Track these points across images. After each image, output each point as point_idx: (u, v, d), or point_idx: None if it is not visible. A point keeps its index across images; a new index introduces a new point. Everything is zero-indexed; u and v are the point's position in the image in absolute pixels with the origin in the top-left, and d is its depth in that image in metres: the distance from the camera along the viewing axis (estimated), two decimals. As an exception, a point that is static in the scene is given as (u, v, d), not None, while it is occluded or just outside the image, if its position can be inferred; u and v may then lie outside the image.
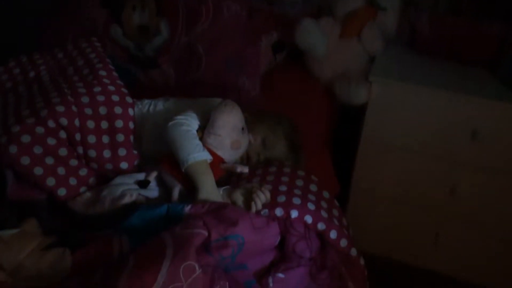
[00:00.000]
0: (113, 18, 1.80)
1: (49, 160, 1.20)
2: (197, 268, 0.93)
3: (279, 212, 1.13)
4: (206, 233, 1.00)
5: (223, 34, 1.74)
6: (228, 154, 1.25)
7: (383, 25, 1.80)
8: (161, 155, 1.24)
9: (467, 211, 1.74)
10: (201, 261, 0.97)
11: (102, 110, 1.28)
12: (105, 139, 1.28)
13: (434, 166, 1.70)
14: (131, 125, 1.31)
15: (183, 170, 1.16)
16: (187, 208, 1.08)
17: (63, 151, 1.22)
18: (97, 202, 1.18)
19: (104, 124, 1.28)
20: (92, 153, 1.27)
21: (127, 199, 1.16)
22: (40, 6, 1.94)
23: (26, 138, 1.17)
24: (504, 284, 1.85)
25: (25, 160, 1.17)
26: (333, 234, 1.15)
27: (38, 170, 1.18)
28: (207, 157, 1.18)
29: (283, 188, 1.21)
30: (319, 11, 1.89)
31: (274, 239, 1.12)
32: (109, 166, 1.28)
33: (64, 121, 1.22)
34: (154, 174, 1.24)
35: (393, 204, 1.84)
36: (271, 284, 1.05)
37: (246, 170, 1.25)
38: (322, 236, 1.16)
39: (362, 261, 1.22)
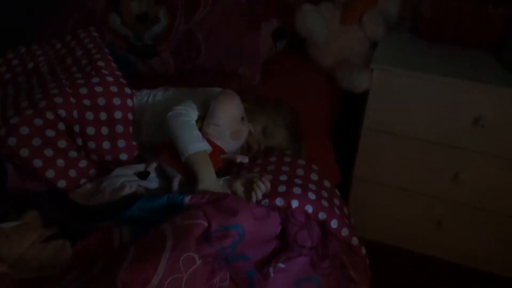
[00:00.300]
0: (111, 7, 1.78)
1: (49, 152, 1.20)
2: (197, 259, 0.93)
3: (279, 202, 1.13)
4: (206, 224, 0.99)
5: (223, 22, 1.72)
6: (228, 144, 1.25)
7: (385, 10, 1.77)
8: (160, 146, 1.24)
9: (470, 198, 1.73)
10: (202, 252, 0.97)
11: (101, 101, 1.27)
12: (104, 130, 1.28)
13: (436, 153, 1.69)
14: (130, 116, 1.31)
15: (182, 161, 1.16)
16: (187, 199, 1.08)
17: (62, 143, 1.22)
18: (97, 193, 1.17)
19: (103, 115, 1.27)
20: (92, 144, 1.26)
21: (127, 190, 1.15)
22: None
23: (24, 130, 1.17)
24: (507, 269, 1.85)
25: (25, 152, 1.16)
26: (334, 224, 1.15)
27: (38, 162, 1.17)
28: (207, 147, 1.18)
29: (283, 177, 1.20)
30: (319, -4, 1.86)
31: (275, 229, 1.12)
32: (108, 157, 1.28)
33: (62, 112, 1.22)
34: (154, 165, 1.23)
35: (395, 192, 1.83)
36: (272, 274, 1.04)
37: (246, 160, 1.25)
38: (323, 226, 1.16)
39: (363, 250, 1.22)
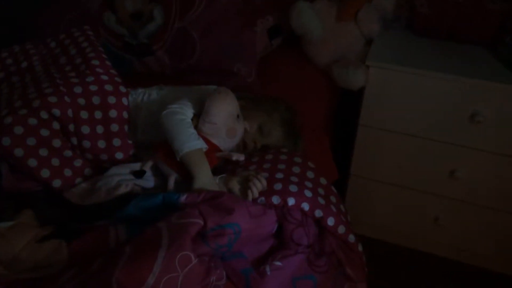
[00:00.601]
0: (106, 5, 1.77)
1: (43, 152, 1.19)
2: (193, 258, 0.93)
3: (275, 199, 1.12)
4: (202, 222, 0.99)
5: (218, 19, 1.72)
6: (224, 142, 1.24)
7: (381, 6, 1.77)
8: (156, 145, 1.23)
9: (466, 194, 1.73)
10: (198, 250, 0.97)
11: (96, 100, 1.26)
12: (99, 129, 1.27)
13: (433, 149, 1.69)
14: (125, 114, 1.30)
15: (178, 159, 1.15)
16: (183, 198, 1.08)
17: (56, 142, 1.21)
18: (92, 193, 1.17)
19: (98, 114, 1.27)
20: (87, 143, 1.26)
21: (122, 189, 1.15)
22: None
23: (18, 130, 1.16)
24: (504, 266, 1.85)
25: (19, 152, 1.15)
26: (330, 221, 1.14)
27: (32, 162, 1.17)
28: (202, 145, 1.17)
29: (279, 175, 1.20)
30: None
31: (271, 227, 1.11)
32: (104, 156, 1.27)
33: (56, 112, 1.21)
34: (149, 164, 1.23)
35: (392, 188, 1.83)
36: (268, 272, 1.04)
37: (242, 158, 1.24)
38: (319, 223, 1.16)
39: (360, 247, 1.21)
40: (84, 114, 1.25)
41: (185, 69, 1.76)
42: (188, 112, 1.24)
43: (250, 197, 1.12)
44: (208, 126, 1.22)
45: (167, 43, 1.73)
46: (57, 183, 1.20)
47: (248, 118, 1.33)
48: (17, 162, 1.17)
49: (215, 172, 1.19)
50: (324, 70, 1.81)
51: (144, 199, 1.10)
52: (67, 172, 1.22)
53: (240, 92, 1.40)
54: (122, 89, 1.32)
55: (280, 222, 1.13)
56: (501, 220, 1.73)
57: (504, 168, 1.63)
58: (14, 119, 1.17)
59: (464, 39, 1.72)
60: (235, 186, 1.16)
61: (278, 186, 1.15)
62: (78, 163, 1.25)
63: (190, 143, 1.15)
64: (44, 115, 1.20)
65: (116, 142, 1.28)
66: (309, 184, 1.18)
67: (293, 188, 1.15)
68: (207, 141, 1.21)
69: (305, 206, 1.13)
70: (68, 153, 1.24)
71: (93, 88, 1.27)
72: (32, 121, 1.18)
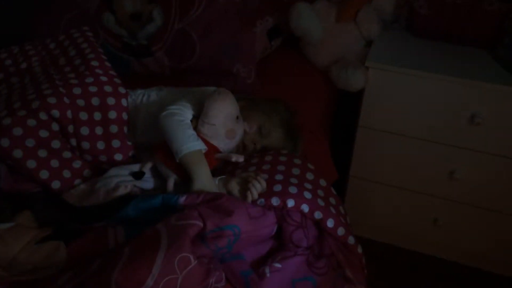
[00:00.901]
0: (105, 5, 1.77)
1: (42, 153, 1.19)
2: (192, 259, 0.92)
3: (275, 201, 1.12)
4: (201, 224, 0.99)
5: (217, 20, 1.72)
6: (223, 143, 1.24)
7: (380, 7, 1.77)
8: (155, 146, 1.23)
9: (465, 196, 1.73)
10: (197, 252, 0.96)
11: (95, 101, 1.26)
12: (99, 130, 1.27)
13: (432, 151, 1.69)
14: (124, 116, 1.30)
15: (177, 161, 1.15)
16: (182, 199, 1.07)
17: (56, 144, 1.21)
18: (91, 194, 1.17)
19: (97, 116, 1.26)
20: (86, 145, 1.25)
21: (121, 191, 1.15)
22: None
23: (17, 131, 1.16)
24: (503, 267, 1.85)
25: (18, 153, 1.15)
26: (330, 223, 1.14)
27: (31, 163, 1.16)
28: (202, 147, 1.17)
29: (279, 177, 1.19)
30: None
31: (271, 228, 1.11)
32: (103, 157, 1.27)
33: (56, 113, 1.21)
34: (149, 165, 1.22)
35: (391, 190, 1.83)
36: (268, 274, 1.04)
37: (241, 159, 1.24)
38: (319, 225, 1.16)
39: (359, 249, 1.21)
40: (83, 115, 1.25)
41: (184, 70, 1.76)
42: (187, 113, 1.24)
43: (249, 199, 1.12)
44: (207, 127, 1.22)
45: (166, 44, 1.73)
46: (56, 184, 1.20)
47: (247, 119, 1.33)
48: (16, 163, 1.17)
49: (214, 173, 1.19)
50: (323, 71, 1.81)
51: (143, 201, 1.10)
52: (66, 174, 1.22)
53: (239, 93, 1.40)
54: (122, 90, 1.31)
55: (279, 224, 1.13)
56: (500, 221, 1.73)
57: (503, 169, 1.63)
58: (13, 120, 1.17)
59: (463, 41, 1.72)
60: (235, 187, 1.16)
61: (277, 188, 1.15)
62: (77, 164, 1.25)
63: (189, 144, 1.15)
64: (43, 116, 1.19)
65: (115, 143, 1.27)
66: (308, 186, 1.18)
67: (292, 189, 1.14)
68: (206, 142, 1.20)
69: (305, 208, 1.12)
70: (67, 154, 1.24)
71: (93, 89, 1.26)
72: (31, 122, 1.18)
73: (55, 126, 1.22)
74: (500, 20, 1.64)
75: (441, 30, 1.74)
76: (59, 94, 1.23)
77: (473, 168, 1.66)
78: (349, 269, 1.16)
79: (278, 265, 1.06)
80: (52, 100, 1.21)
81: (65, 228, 1.11)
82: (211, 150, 1.21)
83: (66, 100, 1.23)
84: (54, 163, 1.20)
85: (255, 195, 1.12)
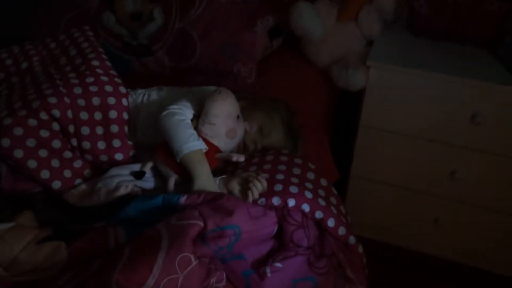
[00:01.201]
0: (105, 5, 1.77)
1: (43, 153, 1.18)
2: (193, 259, 0.92)
3: (276, 201, 1.12)
4: (202, 224, 0.99)
5: (218, 19, 1.72)
6: (224, 143, 1.24)
7: (381, 7, 1.77)
8: (156, 146, 1.23)
9: (466, 195, 1.73)
10: (198, 252, 0.96)
11: (95, 101, 1.26)
12: (99, 130, 1.26)
13: (433, 150, 1.69)
14: (125, 115, 1.29)
15: (178, 161, 1.15)
16: (183, 199, 1.07)
17: (56, 143, 1.21)
18: (92, 194, 1.17)
19: (98, 115, 1.26)
20: (86, 144, 1.25)
21: (122, 191, 1.15)
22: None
23: (18, 131, 1.15)
24: (503, 267, 1.85)
25: (19, 153, 1.15)
26: (331, 222, 1.14)
27: (32, 163, 1.16)
28: (202, 146, 1.17)
29: (280, 176, 1.19)
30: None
31: (271, 228, 1.11)
32: (104, 157, 1.27)
33: (56, 112, 1.21)
34: (149, 165, 1.22)
35: (392, 189, 1.83)
36: (269, 274, 1.04)
37: (242, 158, 1.24)
38: (320, 224, 1.16)
39: (360, 249, 1.21)
40: (84, 115, 1.25)
41: (185, 70, 1.75)
42: (187, 113, 1.24)
43: (250, 199, 1.12)
44: (208, 127, 1.21)
45: (167, 43, 1.73)
46: (56, 184, 1.20)
47: (248, 119, 1.33)
48: (16, 163, 1.17)
49: (215, 173, 1.19)
50: (324, 71, 1.80)
51: (144, 201, 1.10)
52: (67, 173, 1.21)
53: (239, 93, 1.40)
54: (122, 90, 1.31)
55: (280, 224, 1.12)
56: (501, 221, 1.73)
57: (504, 169, 1.63)
58: (14, 120, 1.16)
59: (463, 40, 1.72)
60: (235, 187, 1.16)
61: (278, 187, 1.15)
62: (78, 164, 1.25)
63: (189, 144, 1.15)
64: (44, 116, 1.19)
65: (116, 143, 1.27)
66: (309, 185, 1.18)
67: (293, 189, 1.14)
68: (207, 142, 1.20)
69: (306, 208, 1.12)
70: (68, 154, 1.24)
71: (93, 89, 1.26)
72: (32, 122, 1.18)
73: (55, 126, 1.22)
74: (500, 19, 1.64)
75: (442, 29, 1.74)
76: (59, 94, 1.22)
77: (474, 167, 1.66)
78: (350, 269, 1.15)
79: (279, 265, 1.06)
80: (52, 100, 1.21)
81: (66, 228, 1.11)
82: (212, 150, 1.21)
83: (66, 99, 1.23)
84: (55, 163, 1.20)
85: (256, 195, 1.12)
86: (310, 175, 1.24)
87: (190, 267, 0.91)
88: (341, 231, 1.16)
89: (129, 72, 1.77)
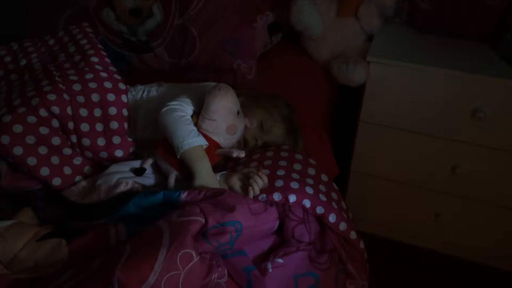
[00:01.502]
0: (104, 1, 1.76)
1: (43, 150, 1.18)
2: (194, 255, 0.92)
3: (277, 197, 1.12)
4: (203, 220, 0.98)
5: (217, 15, 1.71)
6: (224, 139, 1.24)
7: (381, 2, 1.76)
8: (156, 142, 1.23)
9: (468, 190, 1.73)
10: (199, 248, 0.96)
11: (95, 97, 1.25)
12: (99, 127, 1.26)
13: (434, 145, 1.69)
14: (125, 112, 1.29)
15: (178, 157, 1.14)
16: (184, 195, 1.07)
17: (56, 140, 1.21)
18: (92, 191, 1.16)
19: (97, 112, 1.26)
20: (86, 141, 1.25)
21: (122, 187, 1.14)
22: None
23: (17, 128, 1.15)
24: (505, 262, 1.85)
25: (18, 151, 1.15)
26: (332, 218, 1.14)
27: (32, 160, 1.16)
28: (203, 142, 1.16)
29: (280, 172, 1.19)
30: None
31: (273, 224, 1.11)
32: (104, 154, 1.27)
33: (56, 109, 1.20)
34: (149, 162, 1.22)
35: (393, 185, 1.83)
36: (270, 270, 1.03)
37: (242, 154, 1.24)
38: (321, 220, 1.15)
39: (362, 244, 1.21)
40: (83, 112, 1.24)
41: (184, 66, 1.75)
42: (187, 109, 1.23)
43: (251, 195, 1.11)
44: (208, 123, 1.21)
45: (166, 39, 1.72)
46: (56, 181, 1.19)
47: (248, 115, 1.32)
48: (16, 161, 1.16)
49: (215, 169, 1.19)
50: (324, 66, 1.80)
51: (145, 197, 1.09)
52: (67, 170, 1.21)
53: (239, 89, 1.40)
54: (122, 86, 1.31)
55: (281, 219, 1.12)
56: (503, 216, 1.73)
57: (505, 164, 1.62)
58: (13, 118, 1.16)
59: (464, 35, 1.72)
60: (236, 183, 1.16)
61: (279, 183, 1.15)
62: (77, 161, 1.24)
63: (190, 140, 1.14)
64: (43, 113, 1.19)
65: (116, 139, 1.27)
66: (310, 181, 1.18)
67: (294, 185, 1.14)
68: (207, 138, 1.20)
69: (307, 203, 1.12)
70: (68, 151, 1.23)
71: (92, 85, 1.26)
72: (31, 119, 1.17)
73: (55, 123, 1.21)
74: (501, 14, 1.63)
75: (442, 24, 1.73)
76: (59, 91, 1.22)
77: (475, 162, 1.66)
78: (351, 264, 1.16)
79: (280, 260, 1.05)
80: (52, 97, 1.20)
81: (66, 226, 1.11)
82: (212, 146, 1.21)
83: (66, 96, 1.22)
84: (55, 160, 1.19)
85: (257, 191, 1.12)
86: (311, 171, 1.23)
87: (191, 263, 0.91)
88: (342, 226, 1.16)
89: (128, 68, 1.77)
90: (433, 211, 1.83)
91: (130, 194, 1.12)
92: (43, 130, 1.19)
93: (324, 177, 1.25)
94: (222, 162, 1.29)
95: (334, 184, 1.29)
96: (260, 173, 1.14)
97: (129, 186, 1.15)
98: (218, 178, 1.17)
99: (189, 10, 1.71)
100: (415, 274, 1.85)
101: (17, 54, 1.48)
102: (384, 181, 1.84)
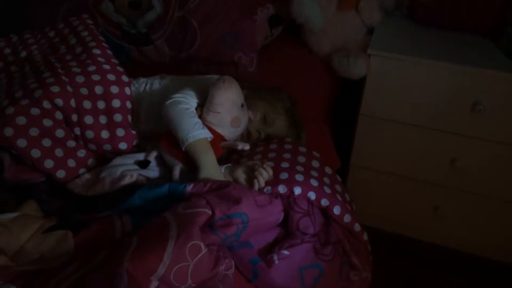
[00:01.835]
0: (103, -7, 1.75)
1: (46, 142, 1.17)
2: (202, 247, 0.92)
3: (282, 189, 1.12)
4: (210, 212, 0.99)
5: (218, 8, 1.70)
6: (228, 131, 1.23)
7: (381, -5, 1.76)
8: (160, 134, 1.22)
9: (467, 184, 1.74)
10: (206, 240, 0.96)
11: (98, 89, 1.25)
12: (103, 119, 1.25)
13: (433, 139, 1.69)
14: (128, 104, 1.28)
15: (183, 149, 1.14)
16: (189, 188, 1.07)
17: (60, 133, 1.20)
18: (96, 183, 1.16)
19: (101, 104, 1.25)
20: (90, 134, 1.24)
21: (127, 180, 1.14)
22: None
23: (21, 120, 1.14)
24: (504, 255, 1.87)
25: (22, 143, 1.14)
26: (336, 210, 1.15)
27: (36, 152, 1.15)
28: (207, 135, 1.16)
29: (285, 165, 1.19)
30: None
31: (278, 216, 1.11)
32: (107, 147, 1.26)
33: (59, 101, 1.19)
34: (154, 154, 1.22)
35: (392, 178, 1.84)
36: (276, 261, 1.04)
37: (247, 147, 1.23)
38: (325, 212, 1.16)
39: (365, 236, 1.22)
40: (87, 104, 1.23)
41: (185, 59, 1.74)
42: (191, 101, 1.23)
43: (256, 187, 1.12)
44: (212, 116, 1.21)
45: (166, 32, 1.71)
46: (60, 173, 1.19)
47: (251, 108, 1.32)
48: (20, 153, 1.15)
49: (219, 162, 1.19)
50: (324, 59, 1.80)
51: (150, 190, 1.09)
52: (71, 163, 1.20)
53: (241, 82, 1.39)
54: (125, 78, 1.30)
55: (286, 212, 1.13)
56: (502, 209, 1.75)
57: (504, 157, 1.64)
58: (16, 110, 1.15)
59: (464, 28, 1.72)
60: (241, 175, 1.16)
61: (284, 176, 1.15)
62: (81, 153, 1.24)
63: (194, 132, 1.14)
64: (46, 105, 1.18)
65: (120, 132, 1.26)
66: (314, 174, 1.18)
67: (299, 177, 1.15)
68: (211, 130, 1.19)
69: (312, 195, 1.13)
70: (72, 143, 1.22)
71: (96, 77, 1.25)
72: (35, 111, 1.16)
73: (58, 115, 1.21)
74: (502, 8, 1.64)
75: (443, 18, 1.74)
76: (62, 83, 1.21)
77: (474, 156, 1.67)
78: (355, 255, 1.17)
79: (286, 252, 1.06)
80: (55, 89, 1.19)
81: (70, 218, 1.10)
82: (217, 138, 1.20)
83: (69, 88, 1.22)
84: (59, 152, 1.18)
85: (262, 183, 1.12)
86: (315, 163, 1.24)
87: (200, 255, 0.92)
88: (347, 218, 1.16)
89: (128, 61, 1.75)
90: (432, 204, 1.84)
91: (135, 187, 1.12)
92: (47, 122, 1.18)
93: (328, 170, 1.26)
94: (226, 154, 1.29)
95: (337, 177, 1.30)
96: (265, 166, 1.15)
97: (134, 178, 1.15)
98: (223, 170, 1.17)
99: (189, 3, 1.70)
100: (413, 267, 1.86)
101: (16, 46, 1.47)
102: (383, 174, 1.85)
